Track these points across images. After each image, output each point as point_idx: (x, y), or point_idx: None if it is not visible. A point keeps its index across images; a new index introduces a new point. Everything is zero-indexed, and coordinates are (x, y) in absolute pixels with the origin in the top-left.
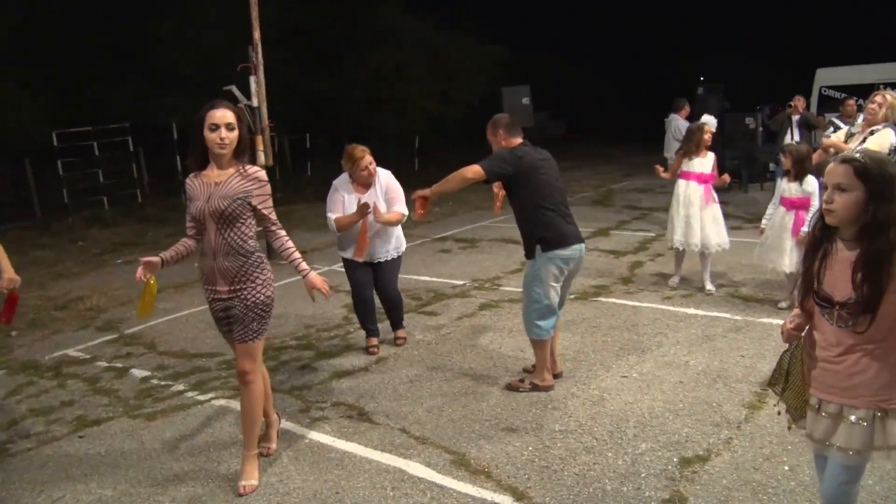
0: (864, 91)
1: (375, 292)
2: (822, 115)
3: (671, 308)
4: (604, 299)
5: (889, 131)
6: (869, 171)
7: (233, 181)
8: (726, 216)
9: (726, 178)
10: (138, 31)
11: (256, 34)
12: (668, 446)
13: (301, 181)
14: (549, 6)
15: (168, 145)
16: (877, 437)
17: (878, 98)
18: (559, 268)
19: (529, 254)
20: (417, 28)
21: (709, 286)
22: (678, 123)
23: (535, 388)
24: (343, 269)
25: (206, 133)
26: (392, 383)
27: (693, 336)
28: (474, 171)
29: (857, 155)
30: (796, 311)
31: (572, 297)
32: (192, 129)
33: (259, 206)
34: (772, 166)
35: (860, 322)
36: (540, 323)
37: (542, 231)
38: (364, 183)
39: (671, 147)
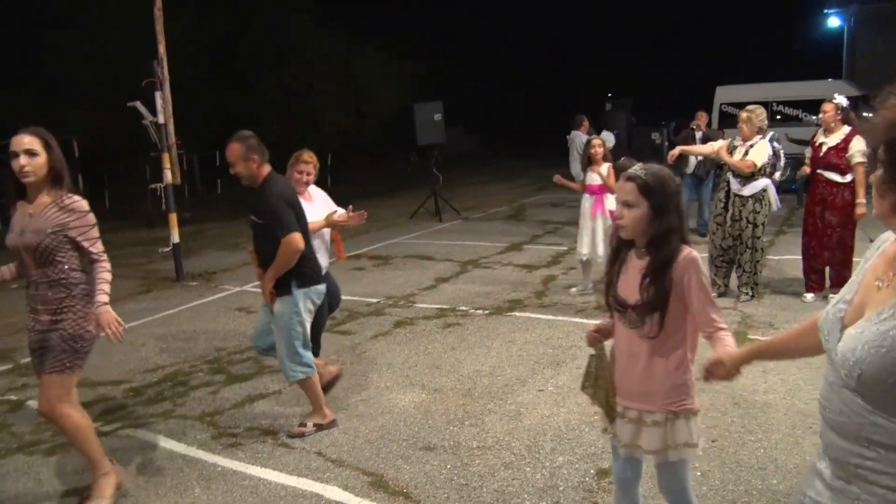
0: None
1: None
2: (723, 130)
3: (585, 320)
4: (518, 314)
5: (765, 143)
6: (651, 188)
7: (48, 213)
8: None
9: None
10: (31, 43)
11: (161, 48)
12: (585, 458)
13: (211, 199)
14: (461, 23)
15: (69, 162)
16: (668, 437)
17: (743, 115)
18: (314, 302)
19: (283, 290)
20: (329, 43)
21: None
22: (581, 139)
23: (320, 427)
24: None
25: (11, 161)
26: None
27: (607, 347)
28: (295, 239)
29: (640, 173)
30: (607, 317)
31: (486, 312)
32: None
33: (78, 239)
34: (677, 179)
35: (649, 324)
36: (306, 361)
37: (301, 265)
38: (303, 189)
39: (576, 164)
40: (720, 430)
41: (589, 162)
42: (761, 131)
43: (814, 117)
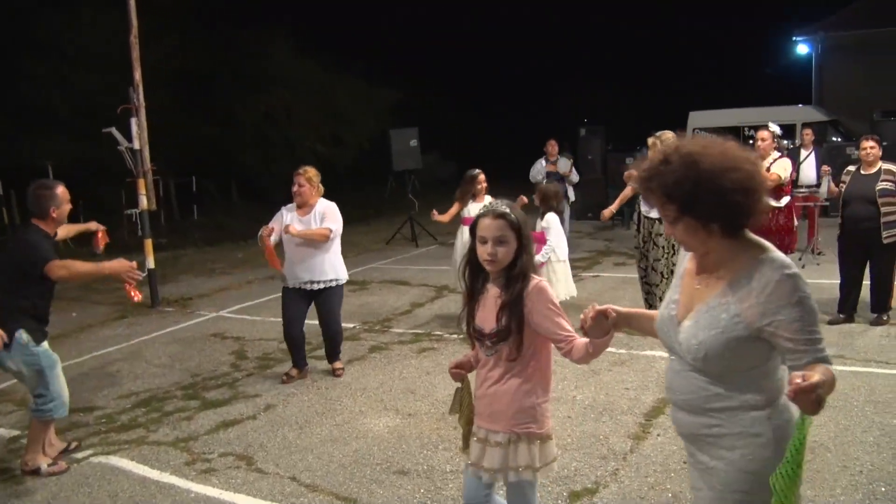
0: (731, 132)
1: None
2: None
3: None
4: None
5: None
6: (519, 224)
7: None
8: (611, 252)
9: (522, 198)
10: (6, 69)
11: (137, 75)
12: (558, 481)
13: (187, 225)
14: (438, 50)
15: None
16: (510, 458)
17: (650, 140)
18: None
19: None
20: (307, 70)
21: None
22: (538, 166)
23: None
24: (234, 316)
25: None
26: (281, 430)
27: (580, 371)
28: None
29: (506, 209)
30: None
31: (461, 336)
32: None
33: None
34: None
35: (505, 349)
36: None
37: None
38: (297, 201)
39: None
40: None
41: (471, 197)
42: None
43: (785, 141)
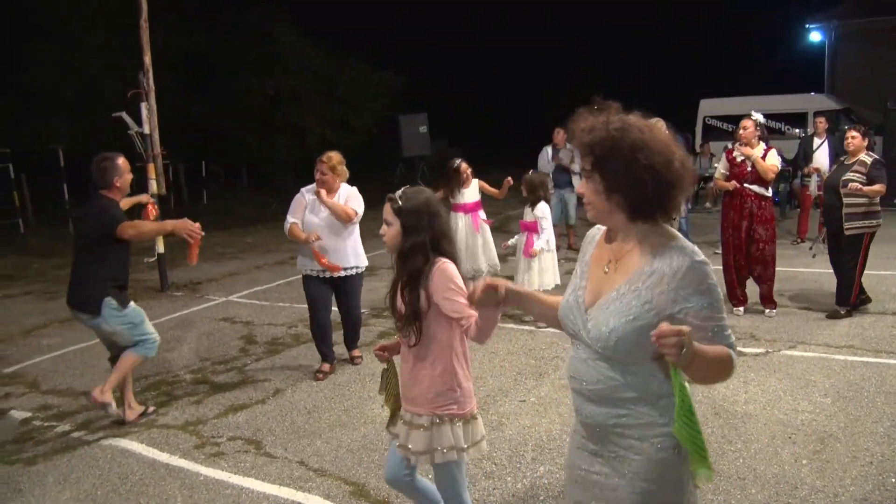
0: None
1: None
2: (707, 142)
3: None
4: (501, 324)
5: None
6: (402, 209)
7: None
8: None
9: (509, 180)
10: (11, 53)
11: (147, 59)
12: (566, 468)
13: (197, 210)
14: (445, 36)
15: (54, 172)
16: (434, 440)
17: None
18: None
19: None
20: (312, 54)
21: None
22: (545, 154)
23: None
24: (243, 301)
25: None
26: (290, 415)
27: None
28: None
29: (397, 196)
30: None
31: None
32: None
33: None
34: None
35: (410, 334)
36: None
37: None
38: (320, 188)
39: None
40: None
41: (459, 186)
42: None
43: (797, 130)
